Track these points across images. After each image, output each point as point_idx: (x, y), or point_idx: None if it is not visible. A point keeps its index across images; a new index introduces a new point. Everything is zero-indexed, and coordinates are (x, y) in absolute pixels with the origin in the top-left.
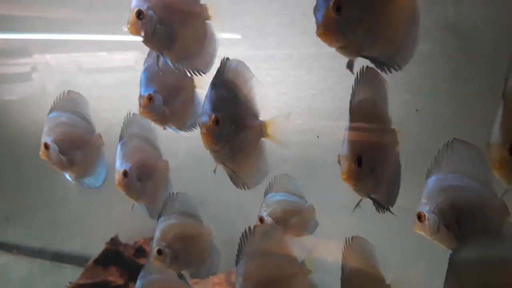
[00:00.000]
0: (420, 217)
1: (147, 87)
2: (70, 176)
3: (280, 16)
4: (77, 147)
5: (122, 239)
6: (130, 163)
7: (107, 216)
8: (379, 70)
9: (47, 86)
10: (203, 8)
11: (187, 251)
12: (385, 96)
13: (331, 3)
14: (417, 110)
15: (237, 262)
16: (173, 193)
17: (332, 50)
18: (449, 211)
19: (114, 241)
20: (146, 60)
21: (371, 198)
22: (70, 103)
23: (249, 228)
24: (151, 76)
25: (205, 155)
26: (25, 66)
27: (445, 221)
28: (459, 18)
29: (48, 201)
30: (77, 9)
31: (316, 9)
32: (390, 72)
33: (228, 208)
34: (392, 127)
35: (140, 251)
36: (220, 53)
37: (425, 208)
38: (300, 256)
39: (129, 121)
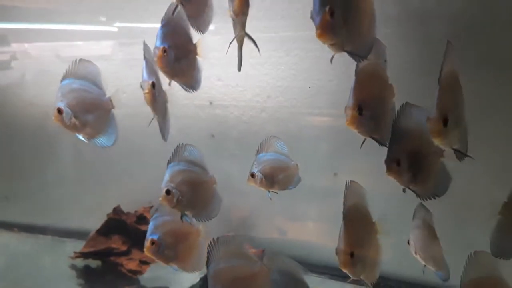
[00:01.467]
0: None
1: (163, 41)
2: (83, 137)
3: (261, 2)
4: (89, 110)
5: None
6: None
7: (103, 194)
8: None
9: (26, 74)
10: None
11: (193, 194)
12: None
13: (327, 9)
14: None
15: (207, 267)
16: (182, 144)
17: (308, 34)
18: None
19: (116, 210)
20: (163, 18)
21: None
22: (82, 71)
23: (213, 239)
24: (166, 33)
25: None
26: (4, 55)
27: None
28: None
29: (47, 180)
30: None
31: (314, 14)
32: (362, 60)
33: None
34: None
35: (141, 219)
36: (206, 39)
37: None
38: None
39: None
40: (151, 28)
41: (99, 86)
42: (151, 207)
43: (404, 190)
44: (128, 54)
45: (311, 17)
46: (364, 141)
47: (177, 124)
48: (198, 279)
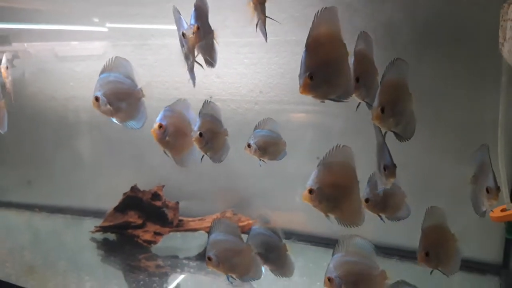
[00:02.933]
0: (329, 279)
1: (196, 21)
2: (116, 120)
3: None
4: (122, 99)
5: None
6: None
7: (117, 177)
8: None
9: (26, 72)
10: None
11: (214, 138)
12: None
13: (307, 74)
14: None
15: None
16: (206, 100)
17: (296, 38)
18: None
19: (133, 188)
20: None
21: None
22: (117, 66)
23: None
24: (197, 15)
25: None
26: (7, 54)
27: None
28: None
29: (66, 165)
30: (52, 1)
31: (299, 76)
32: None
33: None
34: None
35: (156, 196)
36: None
37: (333, 274)
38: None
39: None
40: (141, 29)
41: (131, 78)
42: (163, 186)
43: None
44: (120, 53)
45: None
46: (359, 104)
47: None
48: (202, 250)
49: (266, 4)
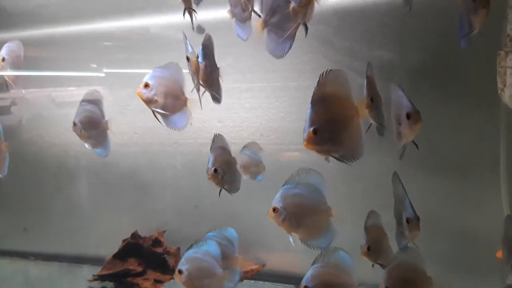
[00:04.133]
0: (275, 209)
1: (203, 58)
2: (87, 145)
3: (254, 57)
4: (94, 127)
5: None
6: None
7: (116, 224)
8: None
9: (23, 118)
10: None
11: (230, 171)
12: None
13: (311, 129)
14: None
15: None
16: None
17: (296, 84)
18: (292, 209)
19: (134, 235)
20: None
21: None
22: (90, 98)
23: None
24: (205, 52)
25: (197, 167)
26: (4, 101)
27: (288, 214)
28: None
29: (63, 211)
30: (50, 48)
31: (303, 131)
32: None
33: (216, 208)
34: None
35: (157, 242)
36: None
37: (278, 204)
38: None
39: None
40: (138, 73)
41: (101, 109)
42: (164, 232)
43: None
44: (117, 98)
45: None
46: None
47: (182, 160)
48: None
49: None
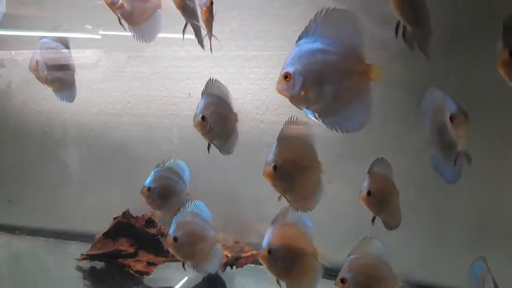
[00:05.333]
0: (286, 76)
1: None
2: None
3: (261, 21)
4: (58, 68)
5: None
6: None
7: (106, 196)
8: None
9: (12, 82)
10: None
11: (220, 124)
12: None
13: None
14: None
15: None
16: (213, 78)
17: None
18: (312, 73)
19: (125, 214)
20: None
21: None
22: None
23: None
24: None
25: (194, 141)
26: None
27: (306, 82)
28: None
29: (50, 183)
30: (41, 6)
31: (265, 162)
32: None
33: (215, 186)
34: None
35: (150, 222)
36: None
37: (291, 68)
38: None
39: None
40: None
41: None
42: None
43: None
44: (114, 64)
45: None
46: None
47: (179, 134)
48: (200, 279)
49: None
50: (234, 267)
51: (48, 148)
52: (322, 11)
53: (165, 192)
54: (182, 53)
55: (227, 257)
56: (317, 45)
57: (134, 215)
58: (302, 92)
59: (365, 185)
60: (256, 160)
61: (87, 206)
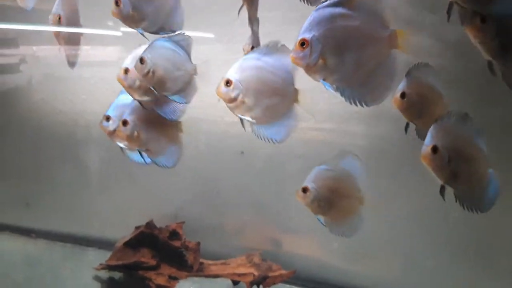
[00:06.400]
0: (303, 43)
1: None
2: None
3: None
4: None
5: (140, 223)
6: None
7: (126, 202)
8: None
9: (32, 78)
10: None
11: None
12: None
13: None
14: None
15: None
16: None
17: None
18: (332, 40)
19: (149, 225)
20: None
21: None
22: None
23: None
24: None
25: (222, 149)
26: (14, 58)
27: (325, 49)
28: None
29: (70, 186)
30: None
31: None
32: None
33: (241, 196)
34: None
35: (174, 234)
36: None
37: (308, 35)
38: None
39: None
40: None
41: None
42: (183, 223)
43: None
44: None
45: None
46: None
47: (206, 140)
48: None
49: None
50: (261, 286)
51: (68, 149)
52: None
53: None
54: (211, 57)
55: (253, 275)
56: (338, 9)
57: (158, 226)
58: (320, 61)
59: (400, 87)
60: (282, 168)
61: (106, 211)
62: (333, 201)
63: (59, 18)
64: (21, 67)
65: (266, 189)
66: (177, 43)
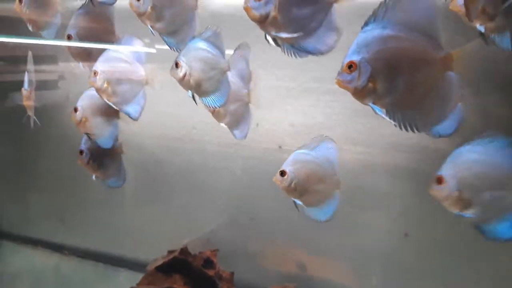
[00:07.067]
0: (351, 66)
1: None
2: None
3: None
4: None
5: (172, 246)
6: None
7: (160, 224)
8: None
9: (69, 94)
10: None
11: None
12: None
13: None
14: None
15: None
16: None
17: None
18: (382, 62)
19: (183, 251)
20: None
21: None
22: None
23: None
24: None
25: (258, 174)
26: (53, 74)
27: (375, 72)
28: None
29: (104, 205)
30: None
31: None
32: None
33: (277, 224)
34: None
35: (208, 262)
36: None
37: (357, 57)
38: None
39: None
40: None
41: None
42: (217, 251)
43: None
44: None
45: None
46: None
47: (243, 165)
48: None
49: None
50: None
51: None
52: None
53: None
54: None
55: None
56: (387, 31)
57: (191, 251)
58: (370, 84)
59: None
60: None
61: (139, 232)
62: (309, 184)
63: (69, 36)
64: (59, 84)
65: (303, 218)
66: (207, 40)
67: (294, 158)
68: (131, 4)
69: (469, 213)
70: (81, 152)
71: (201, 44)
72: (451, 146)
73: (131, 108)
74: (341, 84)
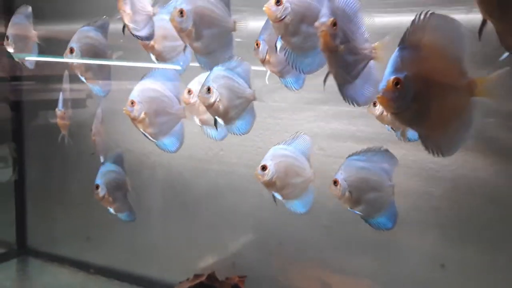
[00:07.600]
0: (397, 83)
1: None
2: None
3: None
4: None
5: (198, 268)
6: None
7: (186, 246)
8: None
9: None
10: None
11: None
12: None
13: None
14: None
15: None
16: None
17: None
18: (421, 83)
19: (210, 277)
20: None
21: None
22: None
23: None
24: None
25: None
26: (81, 93)
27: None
28: None
29: (130, 225)
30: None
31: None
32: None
33: (304, 250)
34: None
35: None
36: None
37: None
38: None
39: None
40: None
41: None
42: (245, 277)
43: None
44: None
45: None
46: None
47: None
48: None
49: None
50: None
51: (132, 188)
52: (419, 16)
53: None
54: (283, 105)
55: None
56: (422, 52)
57: (220, 278)
58: (415, 106)
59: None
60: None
61: (165, 253)
62: (289, 178)
63: (71, 50)
64: (87, 102)
65: (331, 245)
66: (233, 69)
67: (273, 153)
68: (171, 20)
69: (358, 210)
70: (97, 186)
71: (227, 72)
72: (488, 175)
73: (168, 141)
74: (384, 103)
